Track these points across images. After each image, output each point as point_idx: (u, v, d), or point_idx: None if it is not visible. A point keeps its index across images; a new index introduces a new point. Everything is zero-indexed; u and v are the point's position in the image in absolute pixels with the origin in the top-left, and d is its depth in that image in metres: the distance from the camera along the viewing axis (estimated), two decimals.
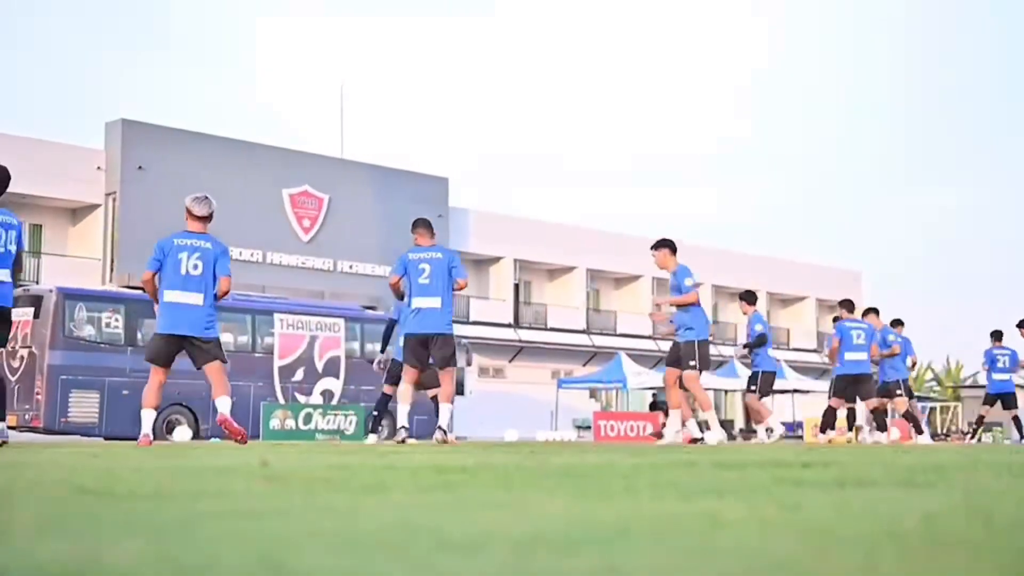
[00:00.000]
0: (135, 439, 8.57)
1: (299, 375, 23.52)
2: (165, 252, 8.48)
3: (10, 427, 20.47)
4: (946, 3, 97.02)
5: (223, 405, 8.46)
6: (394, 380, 11.66)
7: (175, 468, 3.22)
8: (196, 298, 8.46)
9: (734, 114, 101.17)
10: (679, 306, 11.08)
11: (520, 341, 42.25)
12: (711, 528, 1.32)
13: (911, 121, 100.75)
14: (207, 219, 8.65)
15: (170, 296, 8.46)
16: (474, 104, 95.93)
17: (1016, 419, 17.45)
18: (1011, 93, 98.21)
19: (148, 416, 8.44)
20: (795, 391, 33.88)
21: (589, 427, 32.33)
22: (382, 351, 12.85)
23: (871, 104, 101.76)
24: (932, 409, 43.09)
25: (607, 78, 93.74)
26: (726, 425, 38.11)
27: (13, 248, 7.98)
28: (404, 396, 10.13)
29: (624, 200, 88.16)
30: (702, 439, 11.23)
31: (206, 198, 8.68)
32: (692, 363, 10.86)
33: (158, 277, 8.54)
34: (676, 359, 11.15)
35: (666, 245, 11.17)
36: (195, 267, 8.47)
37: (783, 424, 14.83)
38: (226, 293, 8.72)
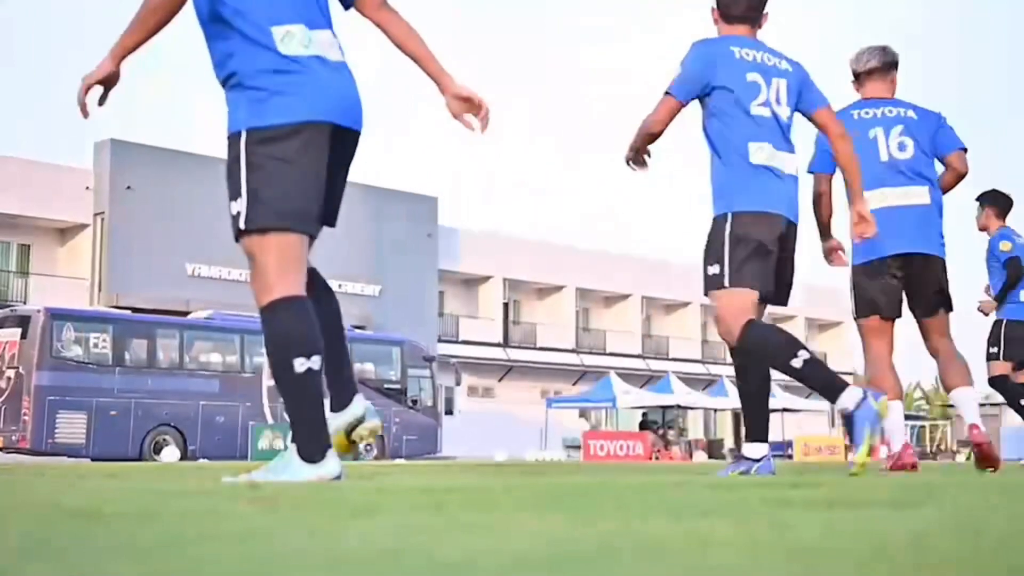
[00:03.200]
0: (123, 460, 8.39)
1: None
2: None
3: None
4: (946, 5, 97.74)
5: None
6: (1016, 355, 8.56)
7: (162, 490, 3.20)
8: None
9: None
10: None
11: (509, 360, 42.24)
12: (700, 547, 1.32)
13: None
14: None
15: None
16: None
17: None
18: (1011, 97, 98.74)
19: None
20: (784, 410, 33.88)
21: (579, 447, 32.28)
22: (998, 304, 8.77)
23: None
24: (921, 428, 43.16)
25: (596, 95, 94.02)
26: (715, 445, 38.07)
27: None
28: None
29: (613, 219, 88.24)
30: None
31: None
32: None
33: None
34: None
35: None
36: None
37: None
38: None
